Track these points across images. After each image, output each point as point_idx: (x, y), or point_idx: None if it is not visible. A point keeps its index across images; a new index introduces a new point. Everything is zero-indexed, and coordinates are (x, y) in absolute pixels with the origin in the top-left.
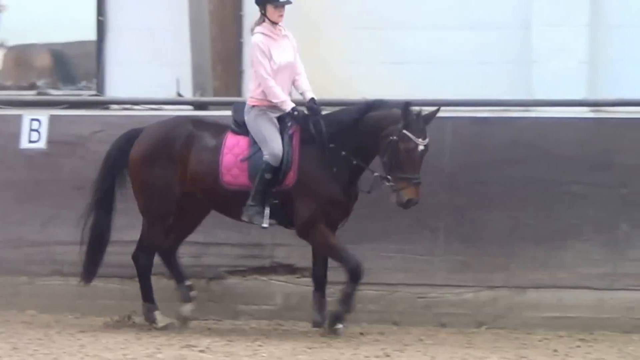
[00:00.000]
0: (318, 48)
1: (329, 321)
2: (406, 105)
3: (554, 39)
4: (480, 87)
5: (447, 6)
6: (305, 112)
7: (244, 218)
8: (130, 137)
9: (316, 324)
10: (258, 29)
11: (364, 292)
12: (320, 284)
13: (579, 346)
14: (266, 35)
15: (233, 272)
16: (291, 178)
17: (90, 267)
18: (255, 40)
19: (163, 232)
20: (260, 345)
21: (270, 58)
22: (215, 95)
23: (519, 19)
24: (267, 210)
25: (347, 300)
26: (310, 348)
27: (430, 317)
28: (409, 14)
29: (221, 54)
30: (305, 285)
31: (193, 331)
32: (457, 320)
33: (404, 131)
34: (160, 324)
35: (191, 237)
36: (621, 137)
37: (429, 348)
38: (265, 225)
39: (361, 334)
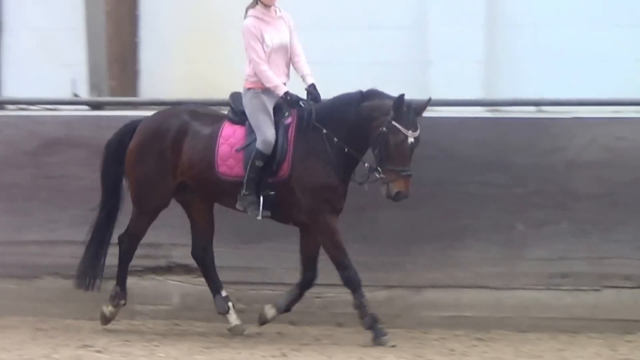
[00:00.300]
0: (219, 48)
1: (374, 337)
2: (399, 97)
3: (450, 38)
4: (376, 87)
5: (343, 6)
6: (300, 97)
7: (239, 207)
8: (129, 130)
9: (278, 308)
10: (250, 12)
11: (262, 292)
12: (306, 285)
13: (475, 345)
14: (258, 18)
15: (129, 272)
16: (285, 169)
17: (86, 271)
18: (246, 24)
19: (149, 224)
20: (156, 346)
21: (262, 41)
22: (111, 94)
23: (415, 18)
24: (261, 201)
25: (363, 313)
26: (207, 348)
27: (327, 317)
28: (306, 14)
29: (117, 54)
30: (202, 285)
31: (89, 331)
32: (354, 319)
33: (394, 122)
34: (107, 312)
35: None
36: (518, 136)
37: (326, 348)
38: (259, 217)
39: (258, 333)
